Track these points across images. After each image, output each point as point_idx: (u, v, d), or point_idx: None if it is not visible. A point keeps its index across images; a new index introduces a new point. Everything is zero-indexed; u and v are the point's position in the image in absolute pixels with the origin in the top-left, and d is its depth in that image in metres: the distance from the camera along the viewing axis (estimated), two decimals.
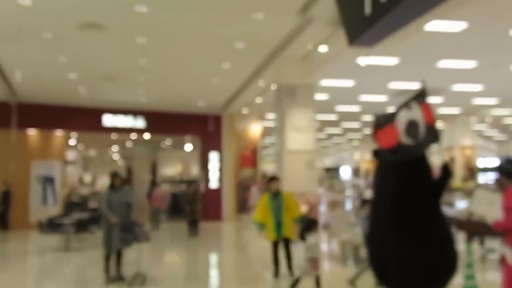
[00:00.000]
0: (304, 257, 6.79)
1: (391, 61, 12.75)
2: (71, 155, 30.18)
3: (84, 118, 18.35)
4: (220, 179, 20.11)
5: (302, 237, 6.92)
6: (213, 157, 20.12)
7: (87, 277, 9.48)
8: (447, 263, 4.34)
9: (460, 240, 9.78)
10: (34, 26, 9.89)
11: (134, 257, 8.60)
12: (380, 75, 14.51)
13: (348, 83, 15.58)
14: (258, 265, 10.42)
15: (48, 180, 17.65)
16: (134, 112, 18.98)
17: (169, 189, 21.28)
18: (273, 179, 8.45)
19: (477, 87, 16.66)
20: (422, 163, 4.56)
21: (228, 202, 20.14)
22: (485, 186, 4.55)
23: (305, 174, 12.04)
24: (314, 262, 6.73)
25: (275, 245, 8.39)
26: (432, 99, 18.56)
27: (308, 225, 7.01)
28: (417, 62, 13.06)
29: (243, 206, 19.74)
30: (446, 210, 10.59)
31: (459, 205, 10.51)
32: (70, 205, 16.87)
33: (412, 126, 4.49)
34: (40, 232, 12.80)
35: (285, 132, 12.11)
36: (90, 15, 9.43)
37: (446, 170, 4.46)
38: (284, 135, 12.13)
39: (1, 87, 14.99)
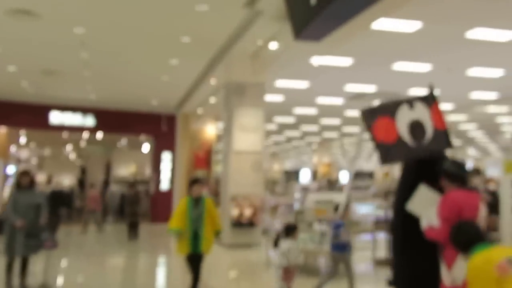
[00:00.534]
0: (277, 264, 5.92)
1: (345, 61, 12.19)
2: (23, 153, 28.78)
3: (29, 115, 17.16)
4: (172, 180, 19.23)
5: (276, 243, 6.05)
6: (166, 158, 19.22)
7: None
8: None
9: None
10: None
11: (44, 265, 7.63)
12: (335, 76, 13.96)
13: (303, 84, 14.97)
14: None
15: None
16: (84, 110, 17.89)
17: (119, 190, 20.28)
18: (196, 181, 6.83)
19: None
20: (430, 167, 4.34)
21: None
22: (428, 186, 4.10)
23: (251, 176, 11.34)
24: (287, 272, 5.84)
25: (190, 260, 6.60)
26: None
27: (287, 230, 6.13)
28: (372, 63, 12.55)
29: None
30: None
31: None
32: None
33: (417, 128, 4.35)
34: None
35: (232, 132, 11.38)
36: (19, 1, 8.50)
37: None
38: (231, 135, 11.39)
39: None
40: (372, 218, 10.42)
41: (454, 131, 27.65)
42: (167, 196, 19.15)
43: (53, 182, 29.83)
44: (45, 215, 7.35)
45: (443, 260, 4.10)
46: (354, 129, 26.71)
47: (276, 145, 37.50)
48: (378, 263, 9.19)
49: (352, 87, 15.49)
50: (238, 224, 11.44)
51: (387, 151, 4.33)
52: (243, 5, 8.55)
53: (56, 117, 17.46)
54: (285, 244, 5.88)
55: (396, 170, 24.70)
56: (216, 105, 16.62)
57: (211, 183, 17.25)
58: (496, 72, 13.37)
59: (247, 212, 11.36)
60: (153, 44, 11.04)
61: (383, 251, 9.16)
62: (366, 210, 11.03)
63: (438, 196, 4.21)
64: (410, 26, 9.45)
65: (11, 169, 18.13)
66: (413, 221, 4.25)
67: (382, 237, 9.49)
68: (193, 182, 6.80)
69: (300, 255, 6.09)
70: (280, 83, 14.72)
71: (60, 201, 13.25)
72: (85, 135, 21.29)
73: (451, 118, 22.65)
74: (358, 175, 47.28)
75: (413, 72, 13.28)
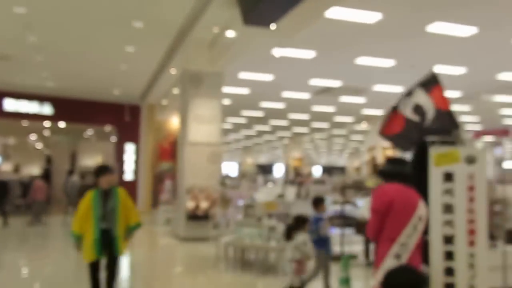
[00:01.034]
0: (290, 257, 5.53)
1: (308, 54, 11.65)
2: None
3: None
4: (136, 171, 18.50)
5: (289, 236, 5.61)
6: (129, 149, 18.47)
7: None
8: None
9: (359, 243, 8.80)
10: None
11: None
12: (299, 70, 13.41)
13: (268, 77, 14.39)
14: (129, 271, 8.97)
15: None
16: (41, 98, 16.98)
17: (81, 181, 19.43)
18: (103, 170, 5.31)
19: (398, 89, 15.93)
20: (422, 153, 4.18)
21: (143, 195, 18.58)
22: None
23: (207, 168, 10.72)
24: (300, 265, 5.47)
25: (95, 267, 5.19)
26: (354, 99, 17.72)
27: (297, 222, 5.66)
28: (335, 56, 12.04)
29: (156, 200, 18.24)
30: (353, 211, 9.56)
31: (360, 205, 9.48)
32: None
33: (418, 109, 4.42)
34: None
35: (187, 123, 10.73)
36: None
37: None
38: (186, 126, 10.74)
39: None
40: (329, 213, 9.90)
41: None
42: (131, 187, 18.41)
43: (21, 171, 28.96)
44: None
45: (374, 257, 3.73)
46: (323, 124, 26.30)
47: (248, 139, 36.92)
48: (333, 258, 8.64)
49: (317, 82, 14.99)
50: (194, 217, 10.83)
51: (399, 139, 4.59)
52: None
53: (10, 105, 16.51)
54: (301, 236, 5.53)
55: (365, 165, 24.42)
56: (178, 95, 15.98)
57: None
58: (459, 70, 13.02)
59: (204, 205, 10.74)
60: (104, 28, 10.31)
61: (337, 247, 8.62)
62: None
63: None
64: (370, 17, 8.94)
65: None
66: None
67: (337, 232, 8.95)
68: (100, 170, 5.29)
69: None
70: (244, 75, 14.13)
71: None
72: (47, 124, 20.33)
73: None
74: (330, 170, 47.33)
75: (377, 67, 12.84)
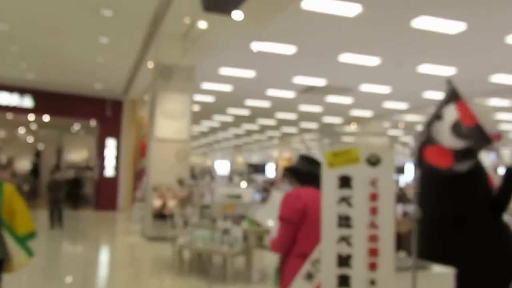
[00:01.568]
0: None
1: (288, 49, 10.95)
2: None
3: None
4: (117, 167, 17.77)
5: None
6: (110, 144, 17.74)
7: None
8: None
9: None
10: None
11: None
12: (281, 66, 12.70)
13: (250, 73, 13.67)
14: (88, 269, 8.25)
15: None
16: (21, 90, 16.23)
17: (68, 175, 18.78)
18: None
19: (385, 89, 15.27)
20: (475, 172, 3.70)
21: (124, 192, 17.85)
22: None
23: (176, 165, 10.02)
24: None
25: None
26: (342, 99, 16.94)
27: None
28: (316, 52, 11.32)
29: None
30: None
31: None
32: None
33: (457, 127, 3.64)
34: None
35: (155, 118, 10.02)
36: None
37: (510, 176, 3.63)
38: (154, 121, 10.03)
39: None
40: None
41: (413, 131, 26.85)
42: (112, 183, 17.71)
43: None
44: None
45: (279, 275, 3.06)
46: (312, 125, 25.60)
47: (237, 138, 36.18)
48: None
49: (301, 80, 14.30)
50: (160, 215, 10.13)
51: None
52: None
53: None
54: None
55: None
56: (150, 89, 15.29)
57: None
58: (448, 71, 12.33)
59: (171, 203, 10.04)
60: (74, 16, 9.59)
61: None
62: None
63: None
64: (349, 9, 8.24)
65: None
66: (470, 230, 3.68)
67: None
68: None
69: None
70: (225, 70, 13.41)
71: None
72: (31, 117, 19.57)
73: (408, 118, 21.74)
74: None
75: (362, 65, 12.15)
